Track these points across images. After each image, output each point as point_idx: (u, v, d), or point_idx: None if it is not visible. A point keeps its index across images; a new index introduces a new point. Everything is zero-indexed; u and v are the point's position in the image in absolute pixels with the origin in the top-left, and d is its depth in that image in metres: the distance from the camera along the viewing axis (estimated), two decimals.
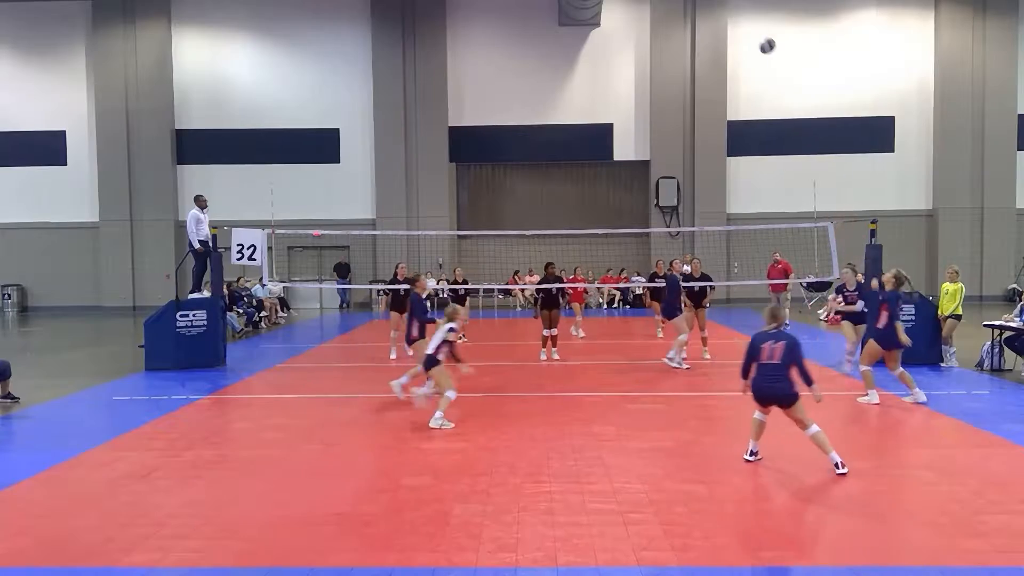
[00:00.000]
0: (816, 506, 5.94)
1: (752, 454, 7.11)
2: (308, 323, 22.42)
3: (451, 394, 8.72)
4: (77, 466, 7.25)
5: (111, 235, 26.15)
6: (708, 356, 13.47)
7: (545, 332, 13.72)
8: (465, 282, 17.31)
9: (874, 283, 11.20)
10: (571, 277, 19.69)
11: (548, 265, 14.78)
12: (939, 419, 8.81)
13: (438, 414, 8.65)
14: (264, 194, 23.41)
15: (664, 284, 13.49)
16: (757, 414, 7.08)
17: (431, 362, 8.82)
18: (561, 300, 14.25)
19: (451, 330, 8.83)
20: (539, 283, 14.42)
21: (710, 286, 14.26)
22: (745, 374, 7.09)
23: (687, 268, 23.79)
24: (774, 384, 6.77)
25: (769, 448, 7.62)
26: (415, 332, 10.39)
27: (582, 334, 17.15)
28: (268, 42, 26.50)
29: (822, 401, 7.09)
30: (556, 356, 13.60)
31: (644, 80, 26.21)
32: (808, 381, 6.77)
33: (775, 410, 6.91)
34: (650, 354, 14.06)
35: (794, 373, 6.75)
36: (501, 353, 14.04)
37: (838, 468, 6.58)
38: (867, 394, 9.68)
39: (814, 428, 6.73)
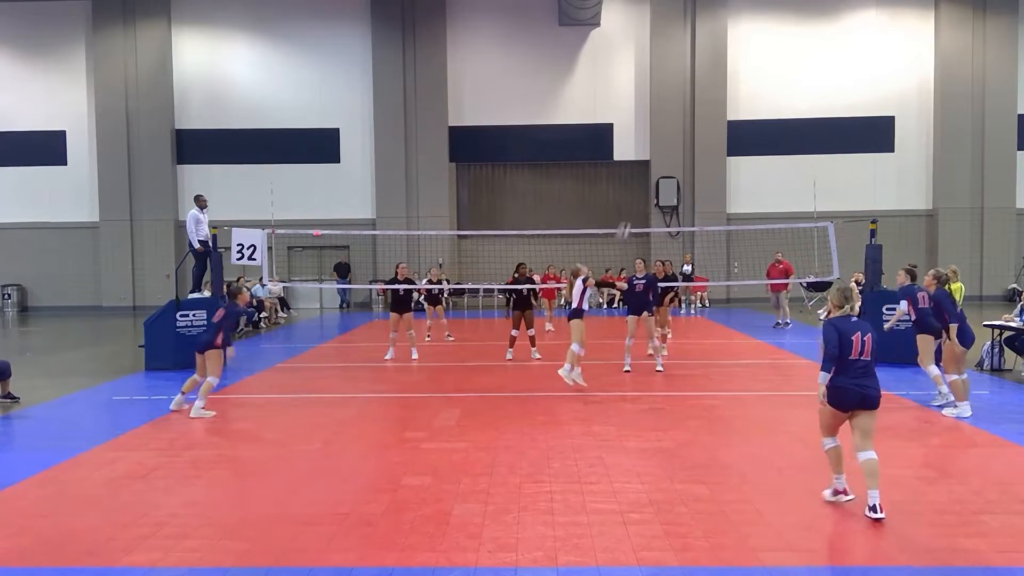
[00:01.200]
0: (816, 506, 5.93)
1: (840, 492, 5.88)
2: (308, 323, 22.42)
3: (576, 348, 10.58)
4: (77, 466, 7.25)
5: (111, 235, 26.14)
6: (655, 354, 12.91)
7: (514, 332, 13.85)
8: (439, 282, 17.79)
9: (858, 276, 10.80)
10: (544, 275, 19.92)
11: (519, 266, 14.86)
12: (939, 419, 8.80)
13: (567, 367, 10.50)
14: (264, 194, 23.39)
15: (663, 285, 13.52)
16: (831, 440, 5.89)
17: (577, 313, 10.74)
18: (534, 301, 14.30)
19: (585, 280, 10.91)
20: (511, 284, 14.57)
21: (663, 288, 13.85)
22: (831, 369, 5.71)
23: (687, 268, 23.93)
24: (866, 383, 5.67)
25: (769, 448, 7.62)
26: (218, 341, 9.64)
27: (550, 327, 17.95)
28: (268, 42, 26.50)
29: None
30: (537, 356, 13.55)
31: (644, 80, 26.20)
32: None
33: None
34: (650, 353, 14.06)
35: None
36: (501, 353, 14.03)
37: (875, 512, 5.50)
38: (957, 406, 8.76)
39: (873, 453, 5.69)
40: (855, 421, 5.76)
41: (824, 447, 5.95)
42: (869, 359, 5.71)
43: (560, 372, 10.60)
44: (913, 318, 9.49)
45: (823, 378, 5.76)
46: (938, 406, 9.25)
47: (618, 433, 8.25)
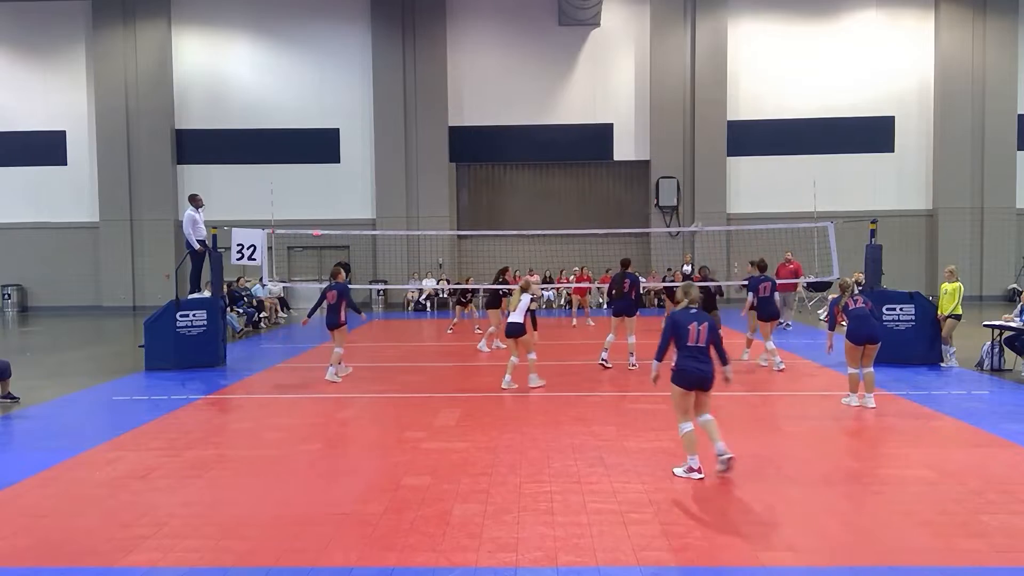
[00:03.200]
0: (816, 506, 5.94)
1: (694, 471, 6.60)
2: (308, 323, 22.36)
3: (533, 356, 10.88)
4: (77, 466, 7.25)
5: (111, 235, 26.13)
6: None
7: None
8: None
9: (748, 268, 12.70)
10: (578, 276, 20.03)
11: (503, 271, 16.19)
12: (939, 419, 8.81)
13: (533, 376, 10.78)
14: (264, 194, 23.40)
15: (666, 285, 13.57)
16: (687, 425, 6.62)
17: (518, 330, 10.63)
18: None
19: (532, 299, 10.90)
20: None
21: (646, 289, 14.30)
22: (662, 356, 6.76)
23: (687, 268, 23.94)
24: (703, 367, 6.58)
25: (769, 448, 7.62)
26: (342, 317, 11.58)
27: (591, 323, 19.39)
28: (268, 42, 26.49)
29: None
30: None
31: (644, 80, 26.20)
32: (725, 360, 6.77)
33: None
34: (650, 354, 14.04)
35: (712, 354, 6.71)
36: (500, 353, 14.03)
37: (722, 456, 6.51)
38: (848, 395, 9.64)
39: (710, 415, 6.72)
40: (697, 399, 6.68)
41: (681, 432, 6.64)
42: (704, 345, 6.62)
43: (530, 383, 10.85)
44: (755, 304, 12.53)
45: (655, 364, 6.79)
46: (763, 363, 12.34)
47: (618, 433, 8.26)
